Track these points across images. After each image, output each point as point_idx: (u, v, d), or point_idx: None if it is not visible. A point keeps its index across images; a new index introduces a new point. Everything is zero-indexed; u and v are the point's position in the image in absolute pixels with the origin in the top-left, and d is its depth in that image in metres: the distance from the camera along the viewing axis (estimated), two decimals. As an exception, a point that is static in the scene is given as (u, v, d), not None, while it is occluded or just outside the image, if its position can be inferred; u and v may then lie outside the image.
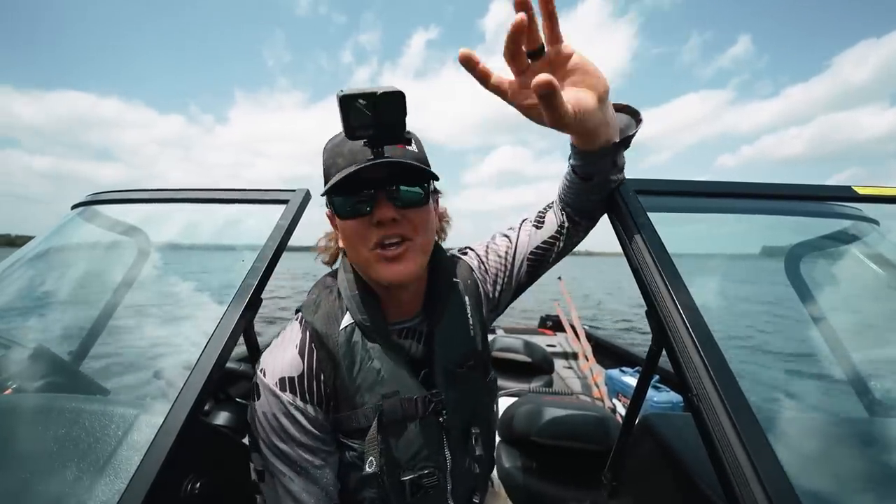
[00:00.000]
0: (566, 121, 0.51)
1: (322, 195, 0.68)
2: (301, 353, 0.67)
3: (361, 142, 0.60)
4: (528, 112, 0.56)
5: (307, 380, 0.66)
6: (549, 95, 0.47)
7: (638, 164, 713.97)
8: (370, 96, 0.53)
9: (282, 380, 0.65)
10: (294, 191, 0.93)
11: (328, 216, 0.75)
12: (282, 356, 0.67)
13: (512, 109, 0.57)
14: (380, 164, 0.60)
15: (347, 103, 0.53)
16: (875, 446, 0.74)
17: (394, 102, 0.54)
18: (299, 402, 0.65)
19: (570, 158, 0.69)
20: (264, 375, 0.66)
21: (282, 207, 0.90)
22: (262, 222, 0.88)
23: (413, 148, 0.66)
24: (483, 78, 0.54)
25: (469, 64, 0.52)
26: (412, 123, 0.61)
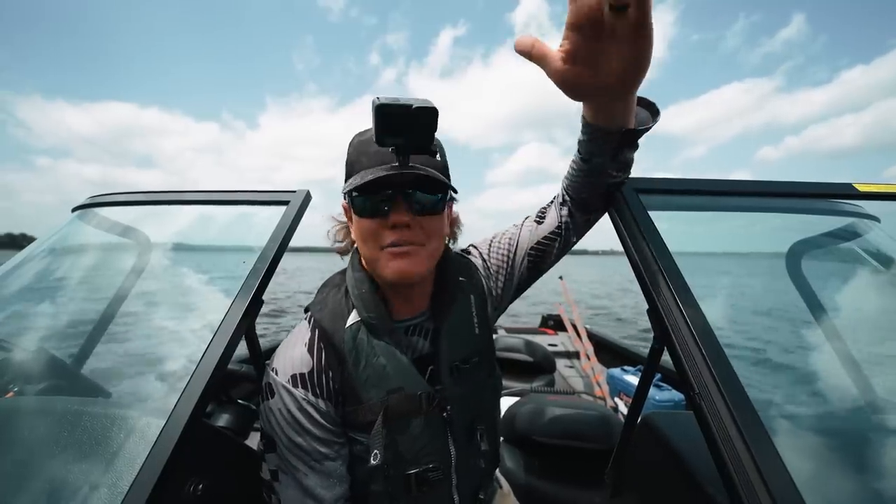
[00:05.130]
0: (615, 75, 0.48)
1: (343, 192, 0.69)
2: (310, 351, 0.69)
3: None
4: (559, 74, 0.51)
5: (317, 375, 0.68)
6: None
7: (670, 160, 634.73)
8: (405, 109, 0.53)
9: (293, 377, 0.67)
10: (294, 192, 0.93)
11: (344, 207, 0.76)
12: (292, 354, 0.70)
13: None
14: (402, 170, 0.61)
15: (381, 112, 0.53)
16: (876, 443, 0.74)
17: (427, 118, 0.54)
18: (311, 397, 0.67)
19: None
20: (276, 374, 0.68)
21: (283, 208, 0.90)
22: (265, 223, 0.88)
23: (437, 157, 0.67)
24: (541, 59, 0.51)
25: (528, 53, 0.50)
26: (439, 123, 0.61)
